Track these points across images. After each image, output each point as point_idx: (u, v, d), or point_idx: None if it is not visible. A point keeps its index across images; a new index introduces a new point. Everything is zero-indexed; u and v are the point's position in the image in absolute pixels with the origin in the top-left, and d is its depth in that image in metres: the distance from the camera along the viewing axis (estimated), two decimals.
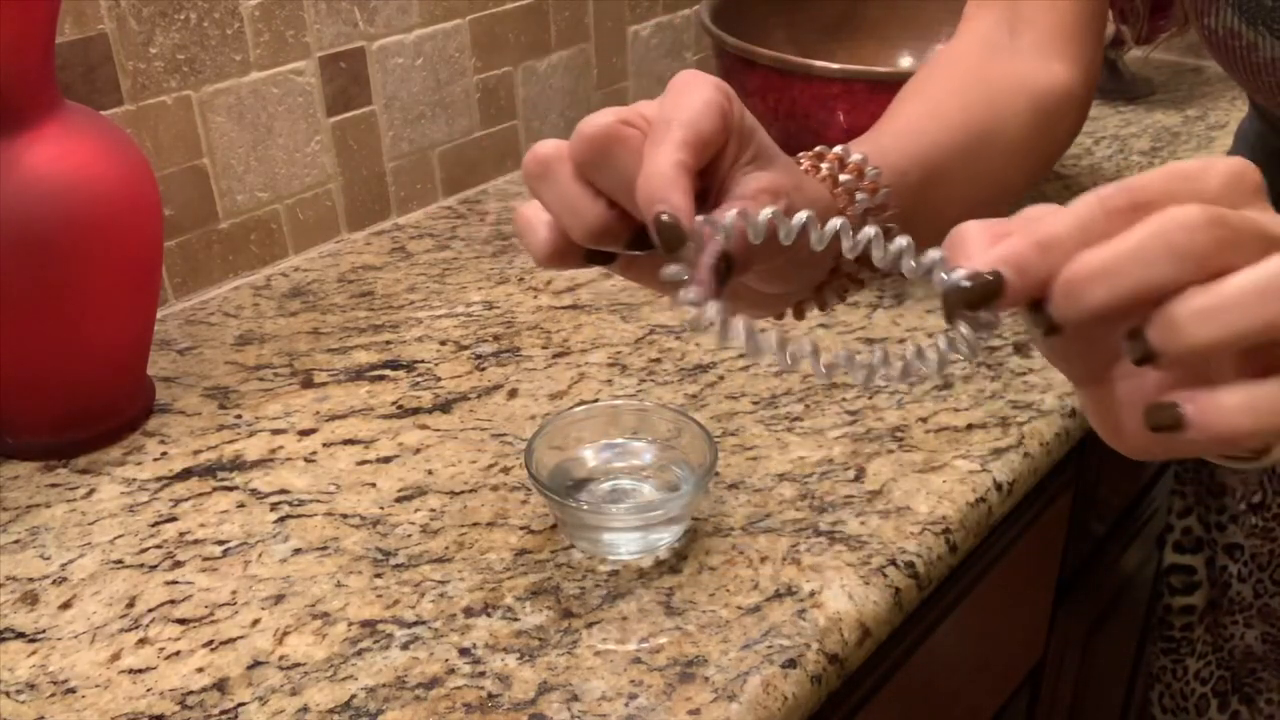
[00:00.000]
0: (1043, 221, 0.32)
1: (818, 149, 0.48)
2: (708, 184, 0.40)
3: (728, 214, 0.35)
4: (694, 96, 0.38)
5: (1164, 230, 0.30)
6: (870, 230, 0.34)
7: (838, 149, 0.48)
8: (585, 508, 0.62)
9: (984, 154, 0.55)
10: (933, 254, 0.33)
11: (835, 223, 0.35)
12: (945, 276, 0.32)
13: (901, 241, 0.33)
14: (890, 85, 0.85)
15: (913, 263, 0.33)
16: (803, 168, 0.47)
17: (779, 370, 0.36)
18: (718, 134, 0.38)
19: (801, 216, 0.35)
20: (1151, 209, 0.31)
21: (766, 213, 0.35)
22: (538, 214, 0.41)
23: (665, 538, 0.62)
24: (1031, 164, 0.60)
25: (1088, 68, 0.62)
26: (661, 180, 0.36)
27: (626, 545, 0.61)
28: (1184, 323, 0.30)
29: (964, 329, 0.32)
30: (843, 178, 0.47)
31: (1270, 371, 0.31)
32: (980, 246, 0.32)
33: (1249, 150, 0.78)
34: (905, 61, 1.08)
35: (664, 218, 0.35)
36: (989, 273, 0.31)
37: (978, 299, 0.32)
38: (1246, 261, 0.30)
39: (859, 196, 0.47)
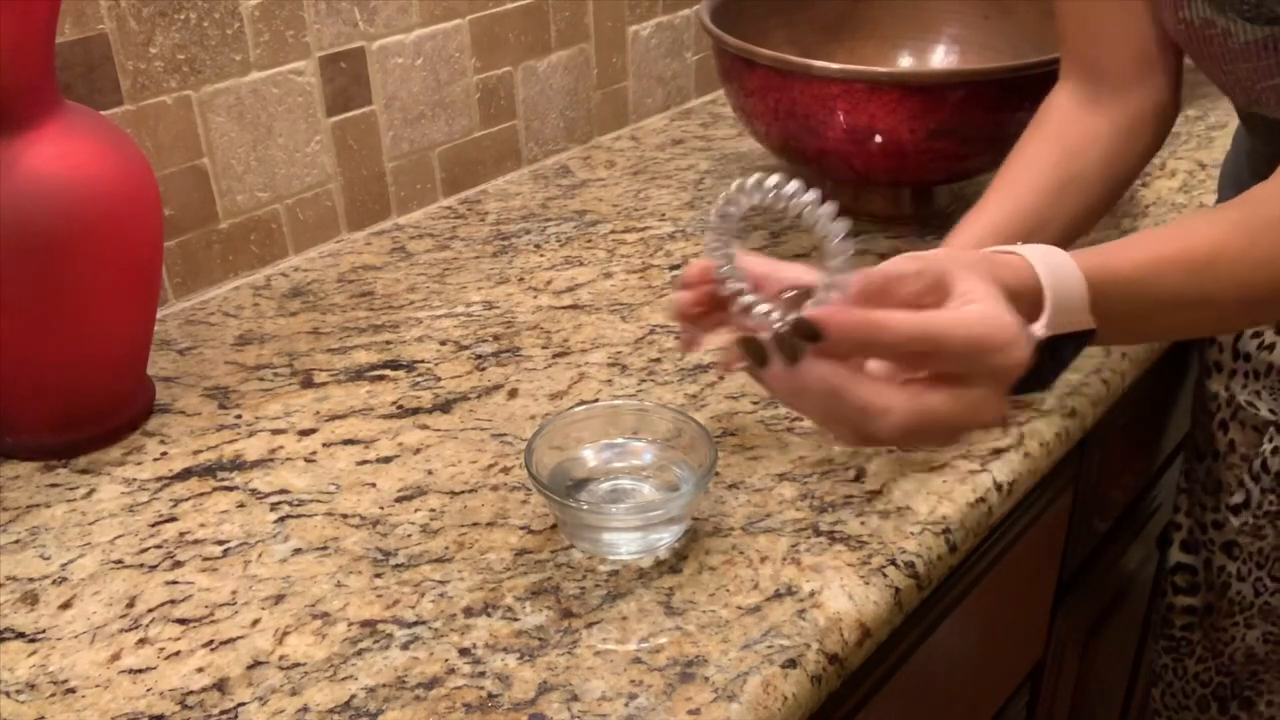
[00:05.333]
0: (881, 323, 0.46)
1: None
2: None
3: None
4: None
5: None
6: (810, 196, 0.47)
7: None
8: (585, 508, 0.62)
9: (1066, 194, 0.72)
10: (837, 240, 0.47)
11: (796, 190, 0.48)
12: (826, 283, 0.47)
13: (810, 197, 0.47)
14: (890, 85, 0.85)
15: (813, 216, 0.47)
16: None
17: None
18: None
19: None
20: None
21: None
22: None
23: (665, 538, 0.62)
24: (1107, 190, 0.74)
25: (1171, 74, 0.73)
26: None
27: (626, 545, 0.61)
28: None
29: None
30: None
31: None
32: (853, 288, 0.47)
33: (1246, 160, 0.78)
34: (905, 61, 1.08)
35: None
36: (816, 321, 0.44)
37: (804, 330, 0.45)
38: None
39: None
